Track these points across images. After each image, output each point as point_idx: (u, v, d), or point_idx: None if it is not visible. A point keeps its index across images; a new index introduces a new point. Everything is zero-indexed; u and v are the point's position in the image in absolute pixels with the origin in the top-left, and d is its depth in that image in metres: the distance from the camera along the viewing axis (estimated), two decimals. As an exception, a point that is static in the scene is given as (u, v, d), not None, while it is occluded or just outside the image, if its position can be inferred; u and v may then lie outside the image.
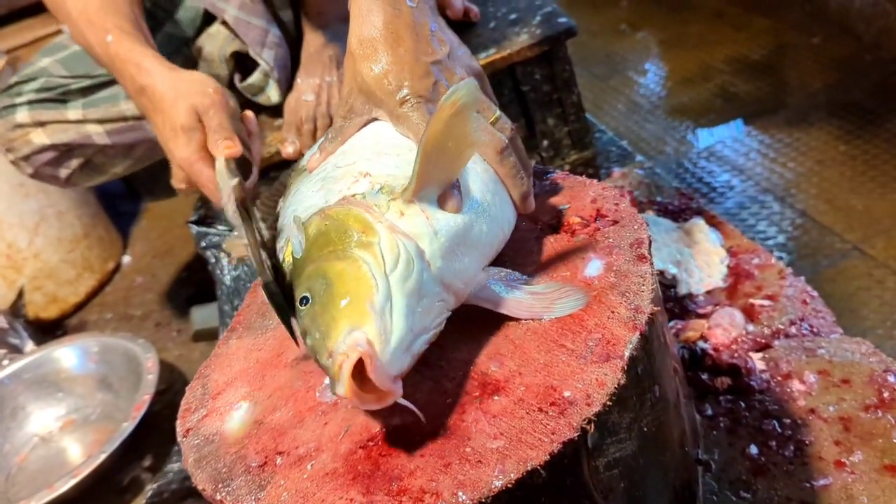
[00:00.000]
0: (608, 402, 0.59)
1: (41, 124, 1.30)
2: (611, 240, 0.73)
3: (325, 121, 1.29)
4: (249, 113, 1.04)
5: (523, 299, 0.67)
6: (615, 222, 0.75)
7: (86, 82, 1.30)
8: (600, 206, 0.78)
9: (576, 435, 0.57)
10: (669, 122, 2.03)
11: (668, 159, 1.86)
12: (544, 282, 0.70)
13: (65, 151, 1.33)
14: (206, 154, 0.97)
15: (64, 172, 1.37)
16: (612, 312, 0.65)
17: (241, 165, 0.98)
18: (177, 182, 1.02)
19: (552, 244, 0.76)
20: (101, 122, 1.31)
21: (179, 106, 0.96)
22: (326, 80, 1.32)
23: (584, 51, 2.45)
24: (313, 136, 1.30)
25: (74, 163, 1.36)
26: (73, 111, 1.30)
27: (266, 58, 1.29)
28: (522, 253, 0.75)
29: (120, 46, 1.04)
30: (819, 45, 2.10)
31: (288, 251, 0.66)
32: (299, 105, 1.31)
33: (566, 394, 0.60)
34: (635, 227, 0.74)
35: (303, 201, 0.72)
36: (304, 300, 0.60)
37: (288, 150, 1.29)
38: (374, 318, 0.57)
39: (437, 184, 0.65)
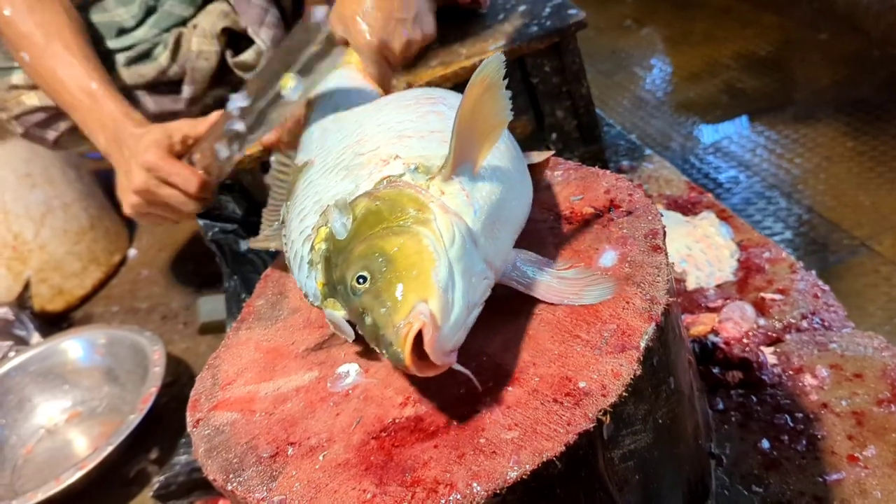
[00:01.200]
0: (624, 393, 0.58)
1: (35, 87, 1.32)
2: (625, 230, 0.73)
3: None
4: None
5: (553, 284, 0.67)
6: (629, 213, 0.75)
7: None
8: (614, 197, 0.77)
9: (591, 426, 0.56)
10: (675, 118, 2.02)
11: (674, 155, 1.85)
12: (571, 267, 0.70)
13: (54, 114, 1.35)
14: (173, 155, 1.05)
15: (52, 135, 1.39)
16: (627, 303, 0.65)
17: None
18: (130, 207, 1.10)
19: (565, 235, 0.75)
20: None
21: (152, 132, 1.06)
22: None
23: (590, 46, 2.43)
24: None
25: (63, 125, 1.38)
26: None
27: (263, 37, 1.29)
28: (535, 244, 0.74)
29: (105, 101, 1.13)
30: (827, 41, 2.08)
31: (320, 237, 0.65)
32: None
33: (581, 384, 0.59)
34: (650, 217, 0.73)
35: (327, 191, 0.70)
36: (362, 278, 0.59)
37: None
38: (438, 292, 0.57)
39: (471, 161, 0.65)
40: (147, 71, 1.34)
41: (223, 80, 1.38)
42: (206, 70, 1.36)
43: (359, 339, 0.68)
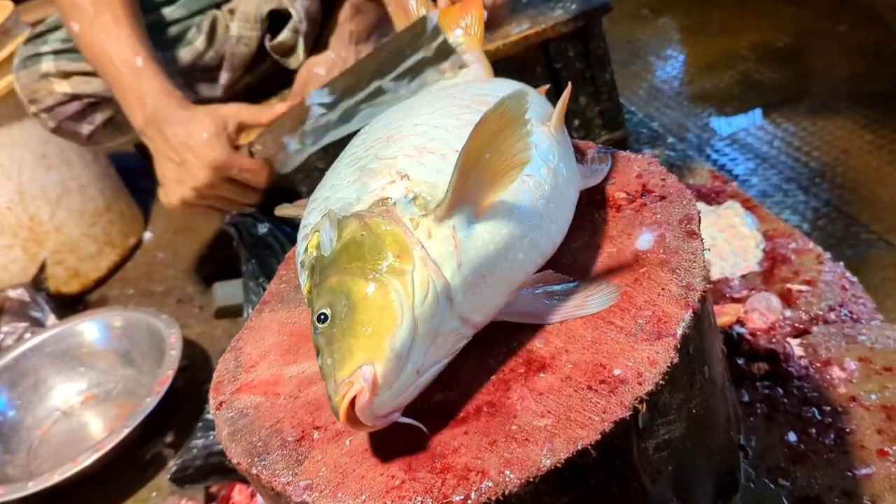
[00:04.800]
0: (661, 381, 0.56)
1: (66, 75, 1.29)
2: (658, 215, 0.71)
3: None
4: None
5: (550, 307, 0.64)
6: (662, 198, 0.73)
7: None
8: (646, 182, 0.76)
9: (628, 414, 0.55)
10: (691, 109, 2.00)
11: (690, 146, 1.83)
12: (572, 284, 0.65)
13: (89, 105, 1.32)
14: (235, 149, 1.07)
15: (86, 129, 1.36)
16: (663, 289, 0.63)
17: None
18: (180, 201, 1.10)
19: (597, 220, 0.73)
20: None
21: (204, 118, 1.06)
22: (342, 56, 1.30)
23: (606, 36, 2.42)
24: None
25: (98, 118, 1.35)
26: None
27: (298, 7, 1.28)
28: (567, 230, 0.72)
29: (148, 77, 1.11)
30: (845, 32, 2.05)
31: (313, 242, 0.62)
32: (310, 76, 1.29)
33: (616, 372, 0.57)
34: (684, 202, 0.71)
35: (336, 189, 0.67)
36: (322, 317, 0.57)
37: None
38: (389, 357, 0.54)
39: (475, 202, 0.58)
40: (182, 56, 1.32)
41: (255, 67, 1.37)
42: (245, 56, 1.34)
43: None
